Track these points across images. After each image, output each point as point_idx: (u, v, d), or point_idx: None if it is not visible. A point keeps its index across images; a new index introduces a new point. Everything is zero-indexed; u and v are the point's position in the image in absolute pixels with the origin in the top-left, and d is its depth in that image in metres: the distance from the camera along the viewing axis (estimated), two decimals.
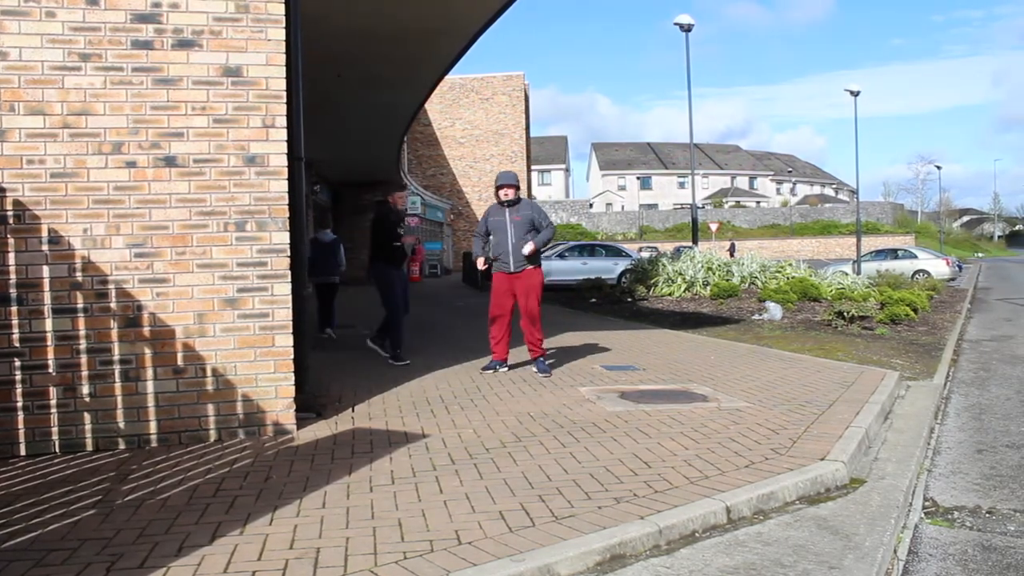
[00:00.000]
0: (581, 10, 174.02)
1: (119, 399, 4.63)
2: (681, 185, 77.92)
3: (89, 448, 4.59)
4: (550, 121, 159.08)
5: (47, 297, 4.53)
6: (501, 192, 7.18)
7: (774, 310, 12.41)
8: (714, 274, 16.83)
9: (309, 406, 5.46)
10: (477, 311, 14.29)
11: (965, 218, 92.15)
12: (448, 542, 3.14)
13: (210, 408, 4.77)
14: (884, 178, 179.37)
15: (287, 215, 4.93)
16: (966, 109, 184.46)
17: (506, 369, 7.22)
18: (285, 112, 4.91)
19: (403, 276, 8.26)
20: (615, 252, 23.19)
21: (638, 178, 79.42)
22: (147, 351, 4.68)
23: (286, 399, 4.92)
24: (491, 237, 7.24)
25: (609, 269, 21.18)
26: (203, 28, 4.74)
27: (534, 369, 7.13)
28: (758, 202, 75.86)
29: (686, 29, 22.38)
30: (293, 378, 4.95)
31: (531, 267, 7.11)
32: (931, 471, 4.65)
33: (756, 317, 12.50)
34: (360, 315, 13.12)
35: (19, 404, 4.49)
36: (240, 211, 4.82)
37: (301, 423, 5.06)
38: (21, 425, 4.50)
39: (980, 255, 56.30)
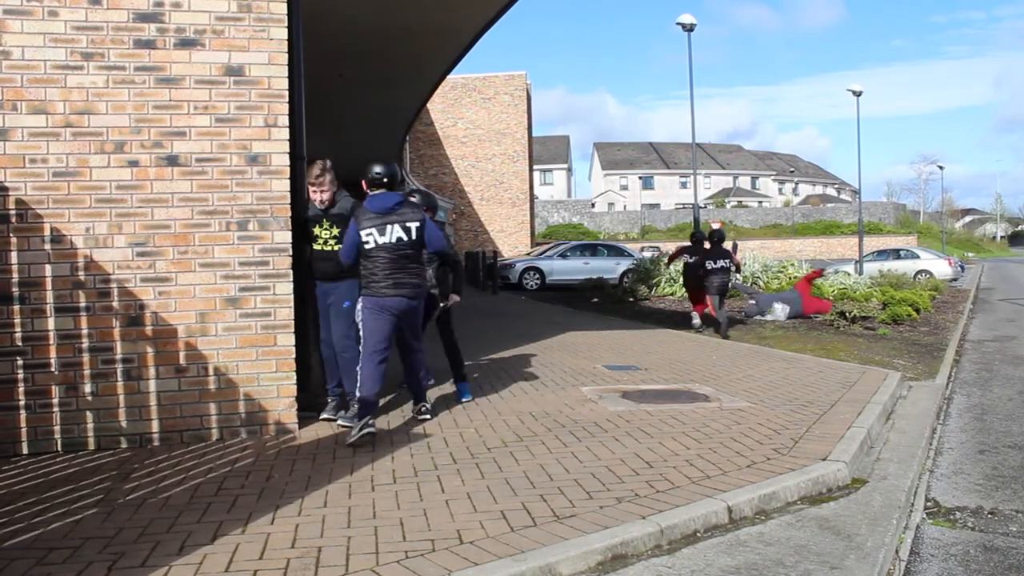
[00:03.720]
0: (589, 11, 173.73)
1: (121, 398, 4.64)
2: (683, 185, 77.77)
3: (91, 447, 4.60)
4: (558, 122, 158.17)
5: (49, 296, 4.53)
6: None
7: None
8: None
9: (311, 405, 5.46)
10: (478, 310, 14.27)
11: (967, 218, 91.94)
12: (450, 541, 3.14)
13: (212, 407, 4.78)
14: (886, 178, 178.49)
15: (289, 214, 4.93)
16: (968, 110, 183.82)
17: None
18: (287, 111, 4.92)
19: None
20: (617, 252, 23.19)
21: (640, 178, 79.32)
22: (149, 350, 4.68)
23: (288, 398, 4.92)
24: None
25: (611, 269, 21.17)
26: (205, 27, 4.75)
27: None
28: (760, 202, 75.67)
29: (688, 29, 22.33)
30: (295, 377, 4.95)
31: None
32: (933, 472, 4.64)
33: (758, 317, 12.49)
34: None
35: (21, 403, 4.50)
36: (242, 210, 4.83)
37: (303, 422, 5.06)
38: (23, 424, 4.50)
39: (971, 255, 56.01)
